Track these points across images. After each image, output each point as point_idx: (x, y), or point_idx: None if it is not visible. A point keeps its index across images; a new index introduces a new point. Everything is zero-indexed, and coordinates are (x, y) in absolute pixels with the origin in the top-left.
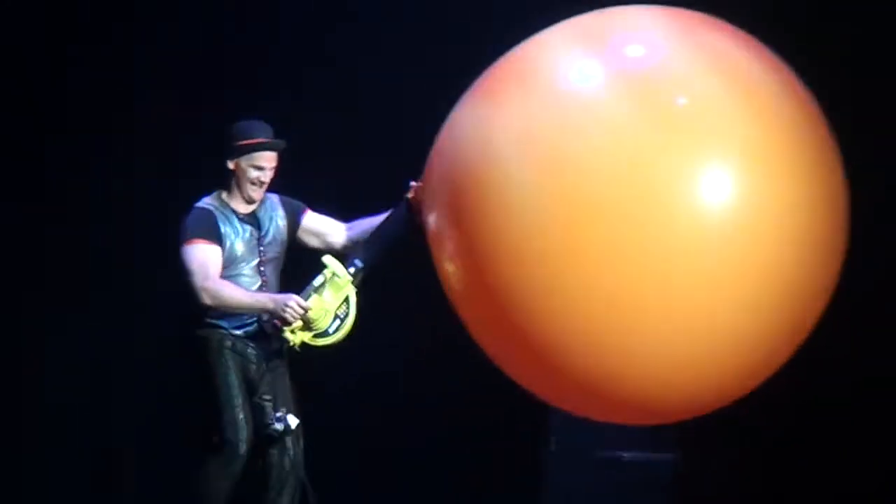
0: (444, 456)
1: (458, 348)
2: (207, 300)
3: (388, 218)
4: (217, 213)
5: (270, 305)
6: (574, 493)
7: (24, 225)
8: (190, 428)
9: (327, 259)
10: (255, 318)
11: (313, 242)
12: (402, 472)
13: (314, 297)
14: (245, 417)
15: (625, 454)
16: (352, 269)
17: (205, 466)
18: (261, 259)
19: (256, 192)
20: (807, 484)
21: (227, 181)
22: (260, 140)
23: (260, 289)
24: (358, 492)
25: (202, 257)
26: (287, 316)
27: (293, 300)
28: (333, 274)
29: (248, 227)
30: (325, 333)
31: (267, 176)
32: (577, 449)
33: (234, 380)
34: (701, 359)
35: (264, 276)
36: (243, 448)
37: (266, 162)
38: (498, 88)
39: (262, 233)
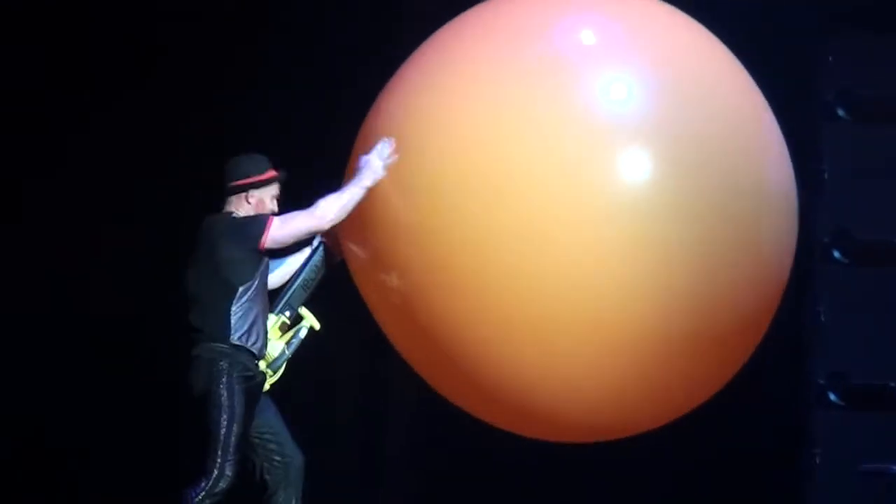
0: (698, 470)
1: None
2: (335, 217)
3: (307, 265)
4: None
5: (369, 182)
6: None
7: None
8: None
9: (305, 312)
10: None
11: None
12: (656, 479)
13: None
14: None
15: (893, 466)
16: (288, 315)
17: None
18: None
19: None
20: None
21: (238, 209)
22: (275, 174)
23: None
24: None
25: (288, 218)
26: (385, 170)
27: (375, 159)
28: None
29: None
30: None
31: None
32: (843, 461)
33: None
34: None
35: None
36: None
37: (278, 190)
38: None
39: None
